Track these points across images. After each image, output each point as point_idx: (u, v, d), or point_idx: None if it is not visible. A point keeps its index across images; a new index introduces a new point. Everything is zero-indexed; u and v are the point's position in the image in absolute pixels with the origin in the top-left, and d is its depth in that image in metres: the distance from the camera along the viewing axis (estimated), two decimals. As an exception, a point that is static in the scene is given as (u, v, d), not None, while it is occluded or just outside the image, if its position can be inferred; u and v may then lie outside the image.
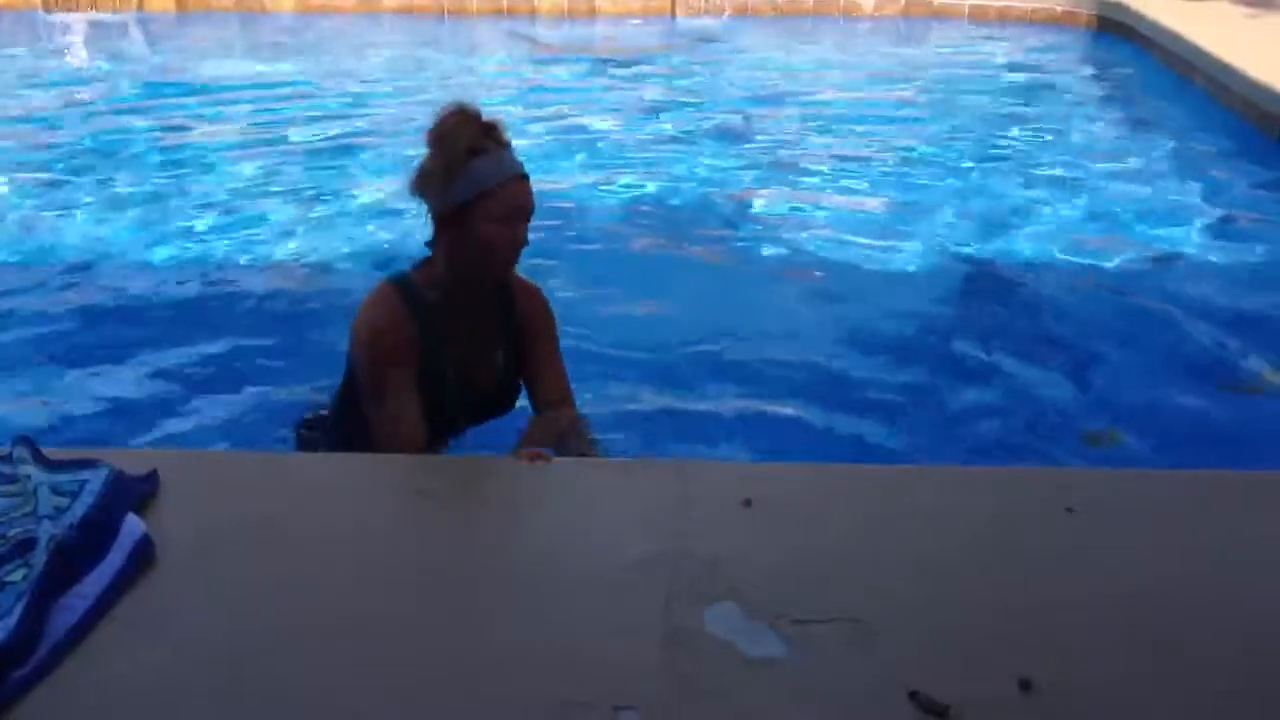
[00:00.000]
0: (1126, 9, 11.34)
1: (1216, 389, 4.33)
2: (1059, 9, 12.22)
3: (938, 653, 1.66)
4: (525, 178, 2.50)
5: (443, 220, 2.50)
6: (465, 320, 2.60)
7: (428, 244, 2.58)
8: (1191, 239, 6.04)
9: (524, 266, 2.66)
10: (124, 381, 4.28)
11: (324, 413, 2.93)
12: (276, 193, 6.66)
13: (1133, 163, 7.54)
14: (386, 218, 5.97)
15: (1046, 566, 1.91)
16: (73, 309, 4.95)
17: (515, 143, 2.55)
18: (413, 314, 2.52)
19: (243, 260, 5.61)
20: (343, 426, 2.77)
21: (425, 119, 2.53)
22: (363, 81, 9.43)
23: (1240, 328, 4.88)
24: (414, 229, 2.63)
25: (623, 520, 2.05)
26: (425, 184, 2.49)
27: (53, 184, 6.79)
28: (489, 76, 9.73)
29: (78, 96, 9.06)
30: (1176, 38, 9.90)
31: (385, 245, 5.61)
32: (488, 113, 2.53)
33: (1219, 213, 6.47)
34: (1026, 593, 1.82)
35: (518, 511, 2.15)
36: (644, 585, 1.80)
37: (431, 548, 1.98)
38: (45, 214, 6.26)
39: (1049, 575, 1.88)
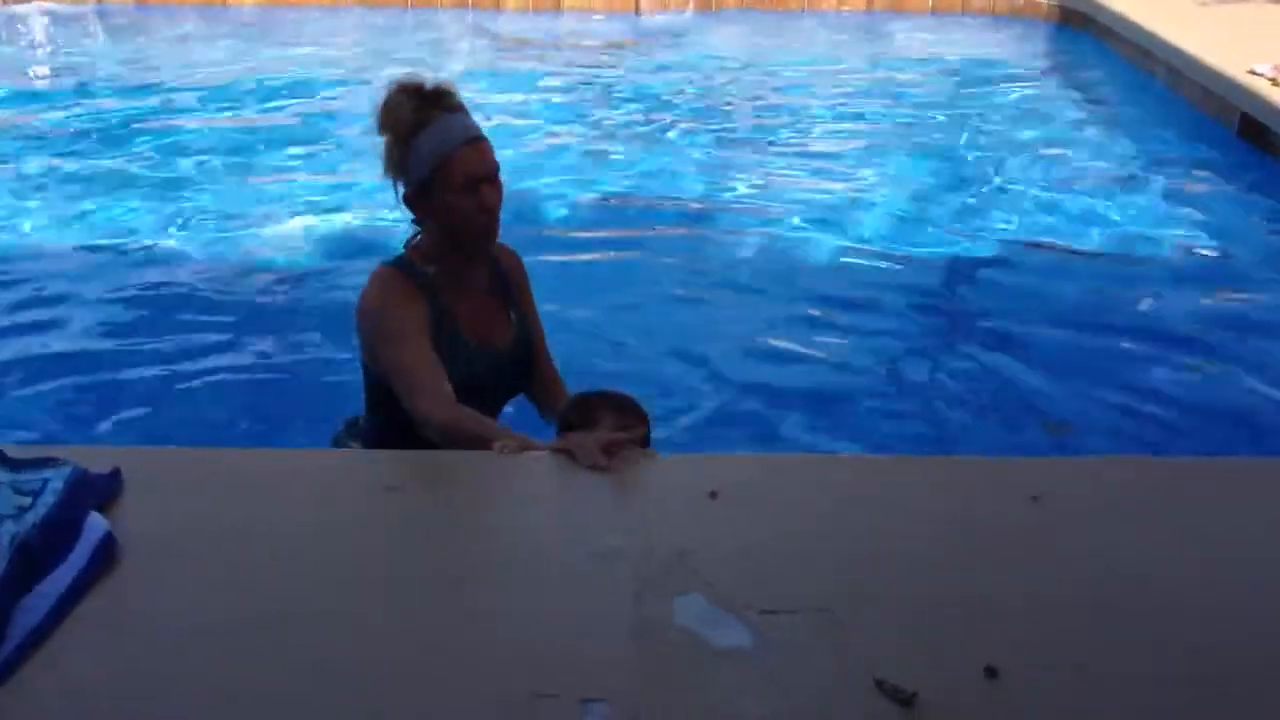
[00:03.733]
0: (1087, 0, 11.43)
1: (1176, 375, 4.38)
2: (1020, 1, 12.31)
3: (905, 641, 1.67)
4: (478, 139, 2.47)
5: (412, 200, 2.51)
6: (468, 287, 2.60)
7: (414, 222, 2.58)
8: (1150, 229, 6.10)
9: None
10: (87, 377, 4.24)
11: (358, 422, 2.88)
12: (240, 186, 6.60)
13: (1092, 154, 7.61)
14: (351, 207, 5.94)
15: (1013, 555, 1.92)
16: (32, 303, 4.90)
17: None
18: (418, 290, 2.51)
19: (205, 252, 5.56)
20: (378, 435, 2.73)
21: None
22: (325, 73, 9.37)
23: (1198, 316, 4.95)
24: (384, 214, 2.65)
25: (590, 513, 2.05)
26: (389, 166, 2.51)
27: (13, 177, 6.71)
28: (453, 69, 9.69)
29: (36, 89, 8.95)
30: (1136, 29, 9.98)
31: (353, 234, 5.58)
32: (438, 80, 2.53)
33: (1177, 203, 6.54)
34: (993, 581, 1.84)
35: (485, 506, 2.15)
36: (612, 577, 1.81)
37: (399, 543, 1.97)
38: (7, 207, 6.19)
39: (1015, 563, 1.89)
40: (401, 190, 2.52)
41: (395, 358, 2.45)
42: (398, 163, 2.47)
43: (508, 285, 2.75)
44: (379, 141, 2.53)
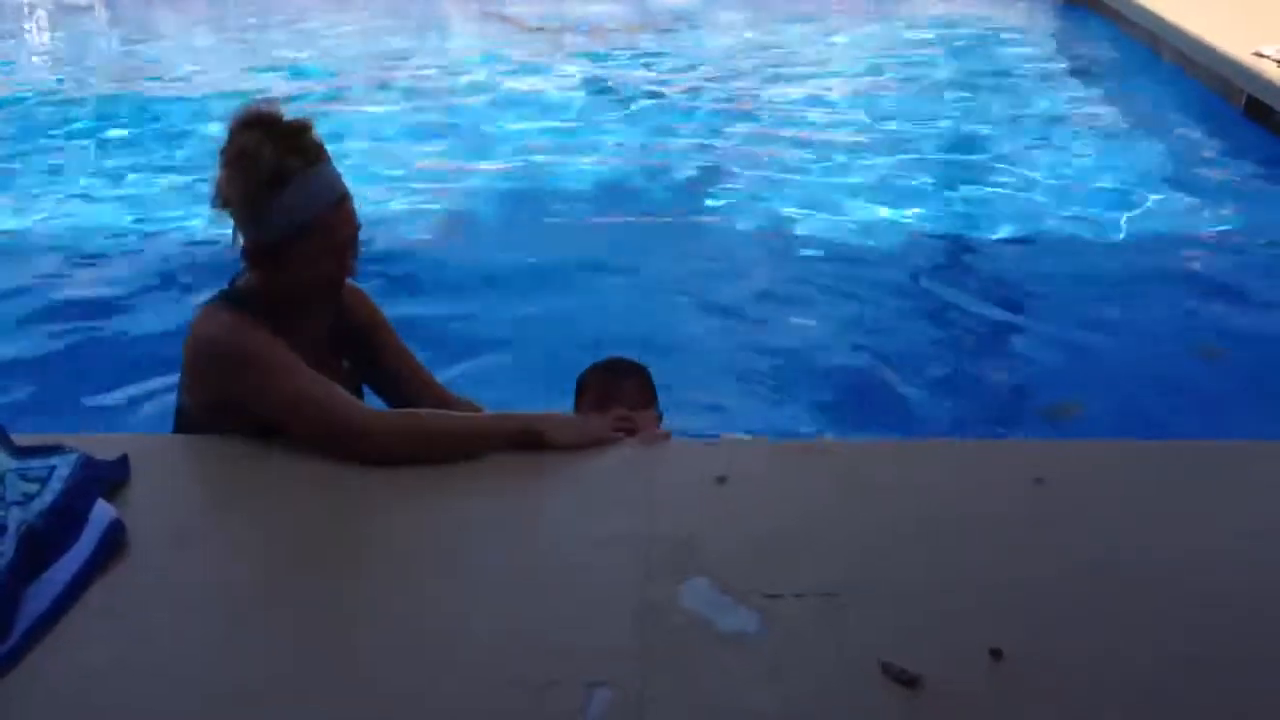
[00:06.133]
0: (1094, -20, 11.37)
1: (1183, 356, 4.37)
2: (1027, -20, 12.24)
3: (909, 624, 1.67)
4: (343, 199, 2.18)
5: (260, 252, 2.18)
6: (303, 328, 2.28)
7: (241, 260, 2.24)
8: (1159, 209, 6.08)
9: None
10: (96, 366, 4.25)
11: None
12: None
13: (1100, 134, 7.57)
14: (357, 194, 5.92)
15: (1017, 538, 1.92)
16: (39, 292, 4.90)
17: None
18: (257, 322, 2.18)
19: (211, 237, 5.56)
20: None
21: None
22: (330, 57, 9.35)
23: (1206, 295, 4.93)
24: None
25: (597, 498, 2.05)
26: (227, 208, 2.16)
27: (17, 164, 6.72)
28: (458, 52, 9.66)
29: (44, 75, 8.95)
30: (1143, 10, 9.93)
31: (366, 226, 5.57)
32: (295, 116, 2.20)
33: (1186, 183, 6.51)
34: (997, 564, 1.84)
35: (494, 492, 2.14)
36: (618, 562, 1.81)
37: (404, 530, 1.98)
38: (10, 195, 6.19)
39: (1019, 546, 1.90)
40: (243, 238, 2.17)
41: (293, 388, 2.13)
42: (247, 213, 2.13)
43: (347, 330, 2.46)
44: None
